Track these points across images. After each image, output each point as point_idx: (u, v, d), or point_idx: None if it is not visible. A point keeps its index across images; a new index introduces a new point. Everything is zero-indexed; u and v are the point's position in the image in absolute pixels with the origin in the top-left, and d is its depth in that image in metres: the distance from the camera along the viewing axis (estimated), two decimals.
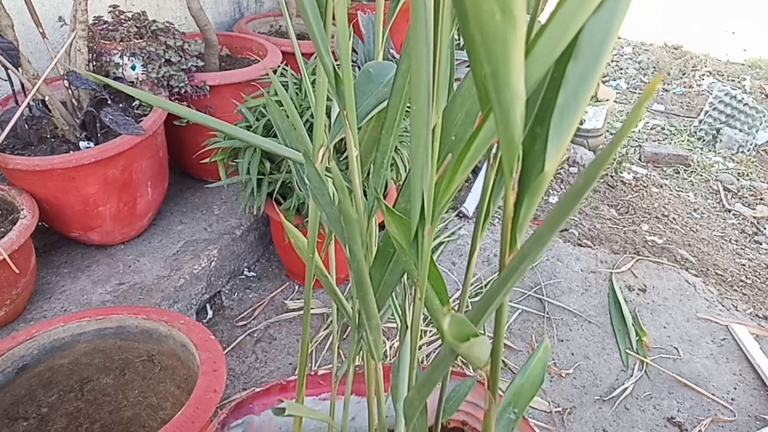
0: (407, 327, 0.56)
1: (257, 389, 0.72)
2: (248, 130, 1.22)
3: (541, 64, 0.31)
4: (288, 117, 0.58)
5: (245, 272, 1.50)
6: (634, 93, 3.55)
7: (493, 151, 0.45)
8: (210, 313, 1.38)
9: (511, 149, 0.32)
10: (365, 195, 0.52)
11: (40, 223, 1.39)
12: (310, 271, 0.51)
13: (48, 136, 1.24)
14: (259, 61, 1.49)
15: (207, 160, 1.26)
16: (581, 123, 2.38)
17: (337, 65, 0.41)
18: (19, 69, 1.13)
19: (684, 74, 3.86)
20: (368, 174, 0.56)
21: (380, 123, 0.47)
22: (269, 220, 1.50)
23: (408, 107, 0.46)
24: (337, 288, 0.61)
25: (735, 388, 1.35)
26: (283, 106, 0.93)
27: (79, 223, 1.24)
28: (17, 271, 1.02)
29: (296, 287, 1.48)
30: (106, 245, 1.35)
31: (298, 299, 1.44)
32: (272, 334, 1.34)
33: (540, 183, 0.33)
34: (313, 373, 0.76)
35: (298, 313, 1.39)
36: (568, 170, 2.29)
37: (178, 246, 1.37)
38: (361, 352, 0.70)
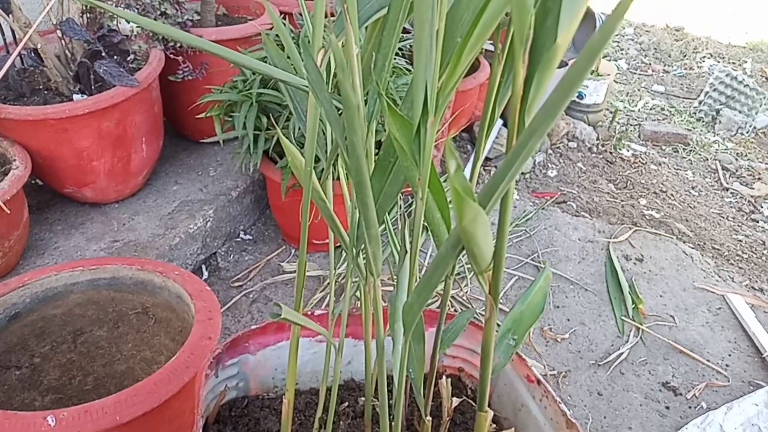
0: (406, 252, 0.55)
1: (253, 327, 0.71)
2: (244, 83, 1.20)
3: None
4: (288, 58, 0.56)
5: (241, 235, 1.48)
6: (635, 74, 3.52)
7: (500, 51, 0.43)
8: (205, 273, 1.37)
9: (522, 14, 0.31)
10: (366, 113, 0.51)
11: (33, 181, 1.37)
12: (307, 185, 0.50)
13: (41, 88, 1.21)
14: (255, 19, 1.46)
15: (203, 114, 1.24)
16: (581, 98, 2.36)
17: None
18: (10, 16, 1.11)
19: (685, 56, 3.84)
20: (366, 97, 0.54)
21: (381, 26, 0.46)
22: (266, 183, 1.48)
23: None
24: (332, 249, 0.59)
25: (729, 355, 1.35)
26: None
27: (72, 177, 1.23)
28: (8, 212, 1.00)
29: (292, 251, 1.47)
30: (100, 203, 1.33)
31: (294, 262, 1.43)
32: (268, 296, 1.33)
33: (552, 56, 0.32)
34: (309, 313, 0.75)
35: (295, 275, 1.38)
36: (567, 145, 2.28)
37: (173, 206, 1.36)
38: (358, 291, 0.69)
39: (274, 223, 1.53)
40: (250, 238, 1.49)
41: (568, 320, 1.40)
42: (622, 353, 1.32)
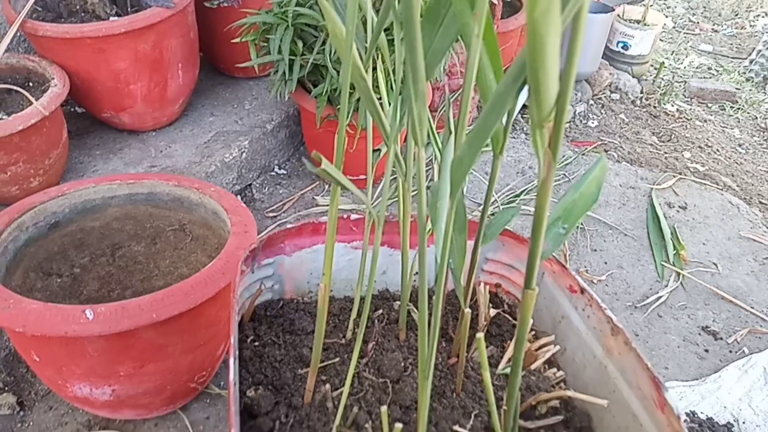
0: (451, 132, 0.53)
1: (289, 227, 0.70)
2: (279, 5, 1.17)
3: None
4: None
5: (276, 169, 1.48)
6: (681, 32, 3.36)
7: None
8: None
9: None
10: None
11: (72, 108, 1.39)
12: (347, 55, 0.47)
13: (78, 10, 1.21)
14: None
15: (238, 39, 1.22)
16: (626, 48, 2.26)
17: None
18: None
19: (737, 15, 3.64)
20: None
21: None
22: (300, 117, 1.46)
23: None
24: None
25: None
26: None
27: (110, 101, 1.23)
28: (46, 113, 1.01)
29: (326, 187, 1.46)
30: (137, 130, 1.34)
31: (327, 196, 1.42)
32: None
33: None
34: (345, 216, 0.74)
35: (328, 208, 1.37)
36: (609, 96, 2.20)
37: (209, 135, 1.36)
38: (397, 191, 0.67)
39: (308, 158, 1.52)
40: (285, 172, 1.49)
41: (606, 263, 1.37)
42: (660, 297, 1.28)
